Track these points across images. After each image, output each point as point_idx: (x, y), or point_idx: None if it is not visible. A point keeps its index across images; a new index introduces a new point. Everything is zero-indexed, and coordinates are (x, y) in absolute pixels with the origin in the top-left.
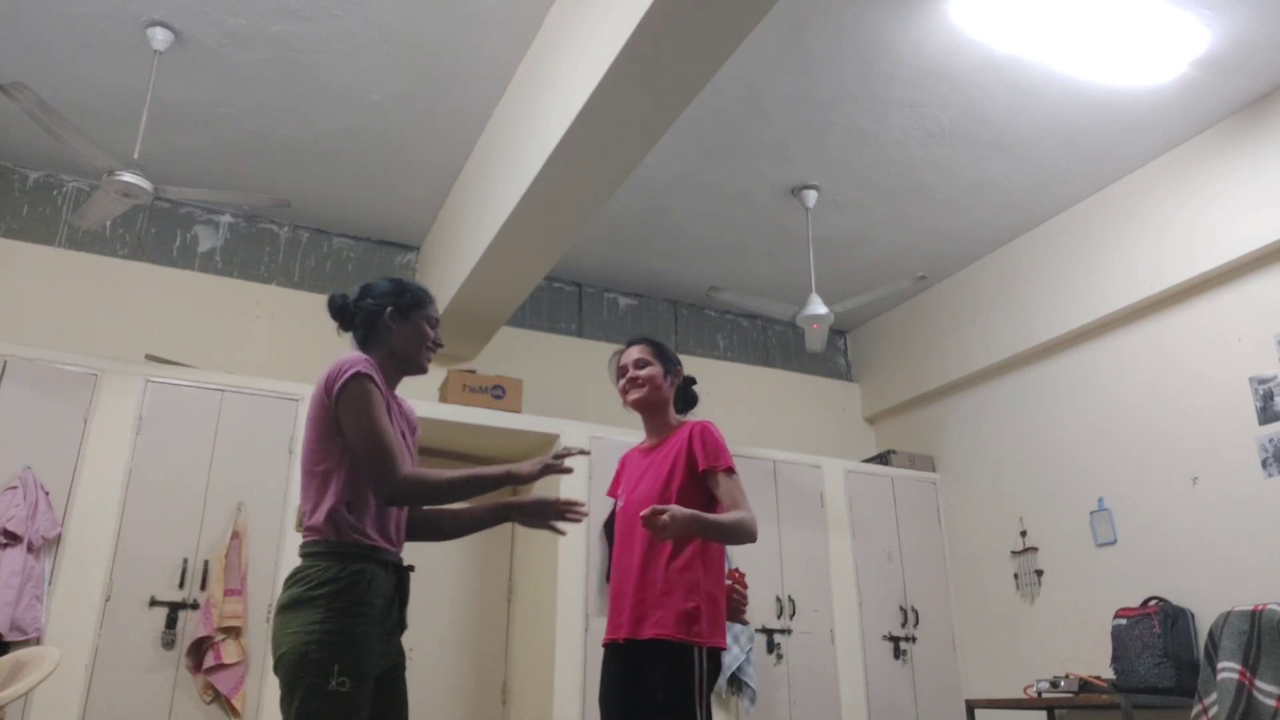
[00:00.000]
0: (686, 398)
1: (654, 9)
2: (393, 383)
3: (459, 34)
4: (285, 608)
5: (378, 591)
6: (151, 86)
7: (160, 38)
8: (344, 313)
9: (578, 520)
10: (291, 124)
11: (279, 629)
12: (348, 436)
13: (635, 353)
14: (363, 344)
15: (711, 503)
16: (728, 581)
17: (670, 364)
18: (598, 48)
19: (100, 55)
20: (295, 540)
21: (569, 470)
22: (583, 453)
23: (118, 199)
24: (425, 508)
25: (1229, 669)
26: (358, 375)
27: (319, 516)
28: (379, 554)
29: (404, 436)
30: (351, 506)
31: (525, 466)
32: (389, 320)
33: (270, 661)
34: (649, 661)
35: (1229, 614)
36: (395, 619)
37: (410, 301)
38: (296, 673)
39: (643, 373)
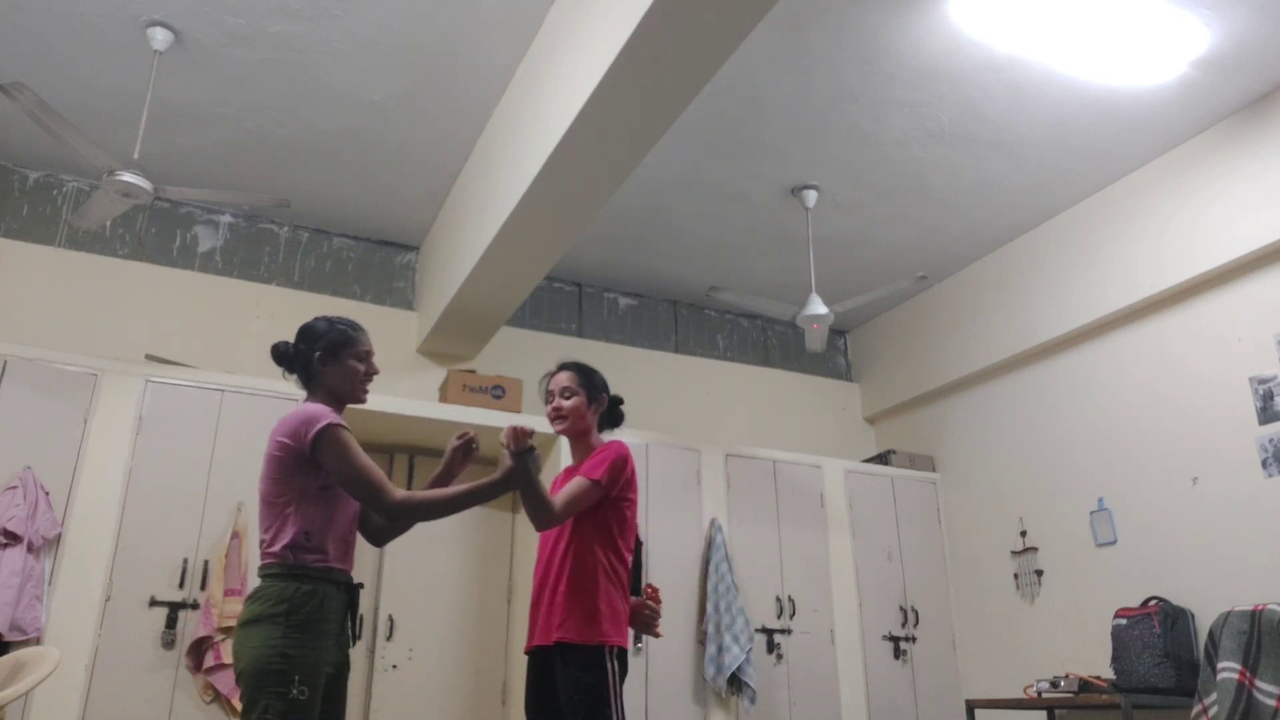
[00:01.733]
0: (613, 418)
1: (654, 9)
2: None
3: (459, 34)
4: (246, 624)
5: (330, 609)
6: (151, 86)
7: (160, 38)
8: (285, 359)
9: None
10: (291, 124)
11: (240, 644)
12: (338, 479)
13: (563, 379)
14: (305, 386)
15: (600, 508)
16: (641, 596)
17: (595, 391)
18: (598, 48)
19: (100, 55)
20: None
21: (531, 446)
22: (530, 433)
23: (118, 199)
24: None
25: (1229, 669)
26: (330, 426)
27: (279, 544)
28: (331, 575)
29: None
30: (310, 535)
31: (500, 472)
32: (319, 363)
33: None
34: (562, 665)
35: (1229, 614)
36: (346, 632)
37: (336, 341)
38: (259, 684)
39: (567, 404)
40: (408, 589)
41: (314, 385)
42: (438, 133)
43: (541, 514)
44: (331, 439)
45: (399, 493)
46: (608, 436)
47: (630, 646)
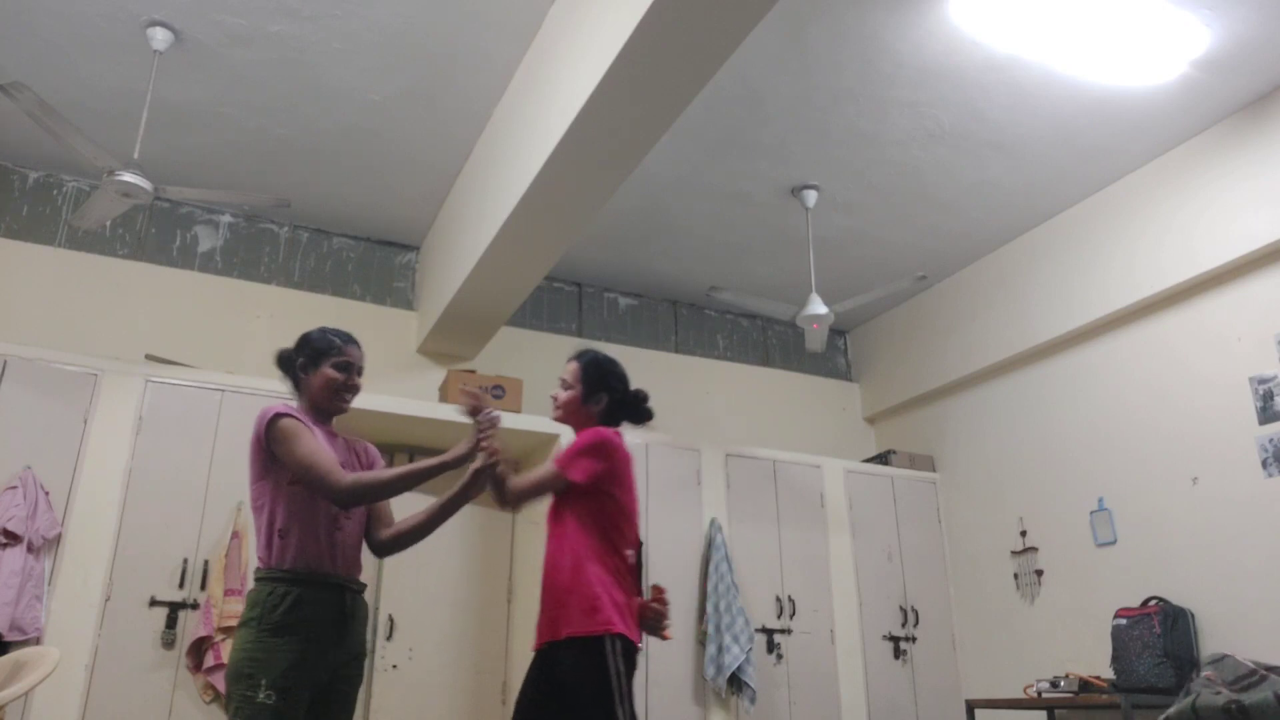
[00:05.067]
0: (635, 414)
1: (653, 9)
2: (325, 424)
3: (459, 34)
4: (237, 627)
5: (314, 612)
6: (151, 86)
7: (160, 38)
8: (282, 365)
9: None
10: (291, 124)
11: (238, 640)
12: (290, 469)
13: (568, 370)
14: (294, 393)
15: (584, 499)
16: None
17: (594, 388)
18: (597, 48)
19: (100, 55)
20: None
21: (493, 434)
22: (492, 417)
23: (118, 199)
24: (386, 532)
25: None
26: (276, 417)
27: (260, 547)
28: (315, 577)
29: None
30: (284, 533)
31: (457, 450)
32: (300, 371)
33: None
34: (565, 658)
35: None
36: (339, 636)
37: (317, 351)
38: (232, 685)
39: (561, 395)
40: (408, 589)
41: (299, 392)
42: (438, 133)
43: (499, 494)
44: (278, 429)
45: (346, 477)
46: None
47: (640, 642)
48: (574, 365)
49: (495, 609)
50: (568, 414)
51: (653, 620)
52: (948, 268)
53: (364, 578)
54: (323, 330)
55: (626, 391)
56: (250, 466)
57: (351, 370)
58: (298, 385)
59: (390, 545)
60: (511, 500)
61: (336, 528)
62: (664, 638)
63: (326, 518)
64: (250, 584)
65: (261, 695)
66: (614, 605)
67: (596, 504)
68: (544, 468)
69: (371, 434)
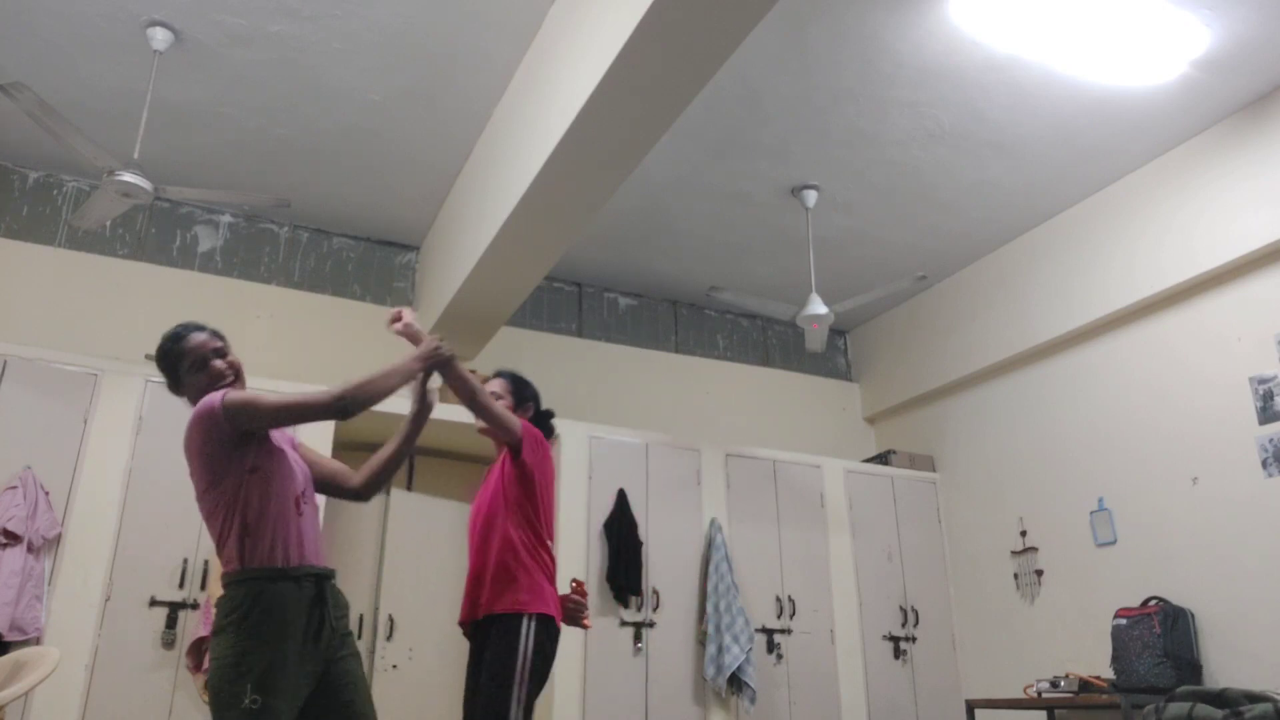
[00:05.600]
0: (548, 427)
1: (653, 9)
2: None
3: (459, 34)
4: (212, 635)
5: (288, 609)
6: (151, 86)
7: (160, 38)
8: (174, 390)
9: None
10: (291, 124)
11: (217, 648)
12: (269, 422)
13: (494, 386)
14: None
15: (513, 493)
16: (569, 590)
17: (523, 399)
18: (598, 48)
19: (100, 55)
20: None
21: (401, 320)
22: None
23: (118, 199)
24: (357, 478)
25: None
26: (228, 393)
27: (228, 550)
28: (287, 572)
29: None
30: (248, 529)
31: (414, 358)
32: (175, 389)
33: None
34: (487, 636)
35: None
36: (316, 625)
37: (171, 363)
38: (215, 695)
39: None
40: (408, 589)
41: (192, 402)
42: (438, 133)
43: (454, 379)
44: (238, 400)
45: (332, 390)
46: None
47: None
48: (500, 380)
49: None
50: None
51: (573, 611)
52: (948, 268)
53: (364, 577)
54: (160, 349)
55: (540, 405)
56: (199, 478)
57: (219, 353)
58: (187, 398)
59: (372, 484)
60: (466, 393)
61: (299, 514)
62: (584, 627)
63: (288, 505)
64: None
65: (247, 701)
66: (531, 587)
67: (525, 492)
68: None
69: (371, 434)
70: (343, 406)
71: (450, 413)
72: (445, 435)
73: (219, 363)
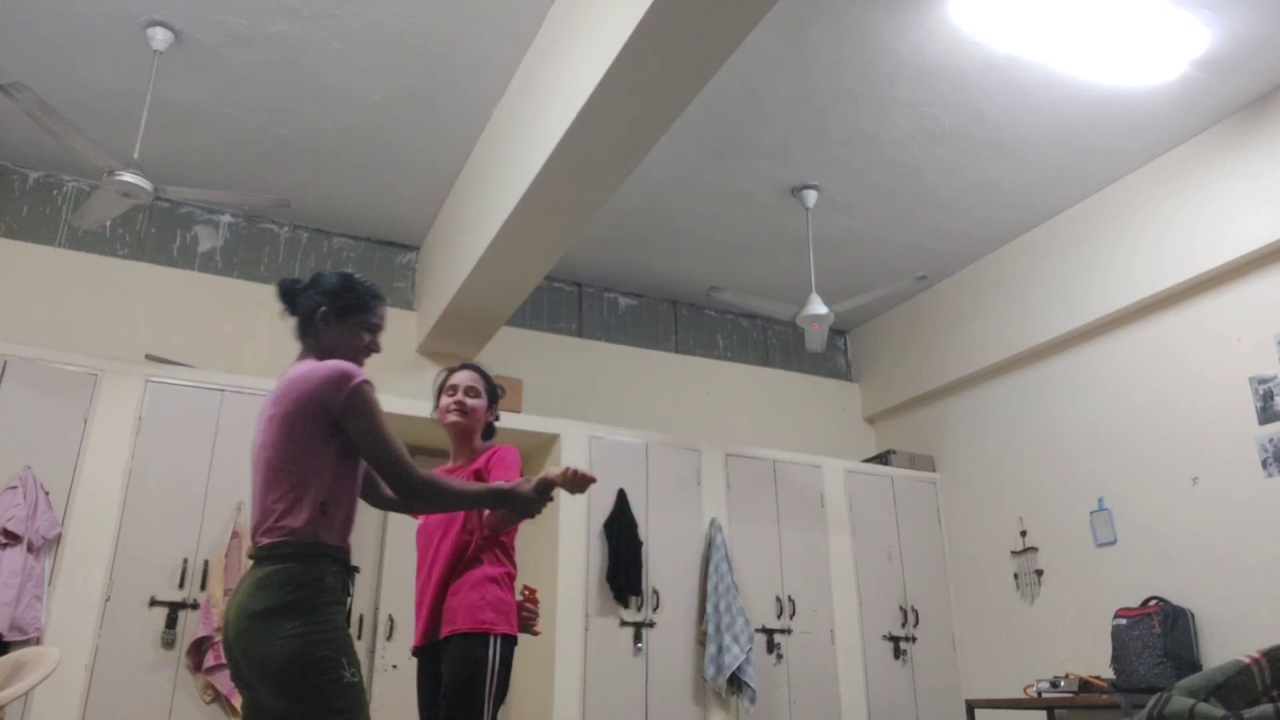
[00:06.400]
0: (489, 429)
1: (653, 9)
2: None
3: (459, 34)
4: (266, 614)
5: (347, 589)
6: (151, 86)
7: (160, 38)
8: (290, 297)
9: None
10: (291, 124)
11: (262, 636)
12: (364, 445)
13: (468, 379)
14: (301, 337)
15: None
16: (519, 597)
17: (494, 398)
18: (598, 48)
19: (100, 55)
20: None
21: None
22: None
23: (118, 199)
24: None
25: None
26: (367, 384)
27: (299, 518)
28: (343, 554)
29: None
30: (326, 509)
31: (524, 488)
32: (320, 320)
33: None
34: (448, 654)
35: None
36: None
37: (350, 304)
38: (304, 675)
39: (471, 402)
40: (407, 589)
41: (310, 340)
42: (438, 133)
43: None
44: (367, 399)
45: (421, 470)
46: (488, 444)
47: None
48: (474, 374)
49: None
50: (474, 419)
51: (525, 620)
52: (948, 268)
53: (364, 577)
54: (348, 278)
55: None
56: (290, 424)
57: (378, 335)
58: (305, 332)
59: (399, 506)
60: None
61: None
62: (535, 633)
63: (355, 497)
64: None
65: (348, 674)
66: (498, 605)
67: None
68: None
69: None
70: (412, 494)
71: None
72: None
73: (377, 341)
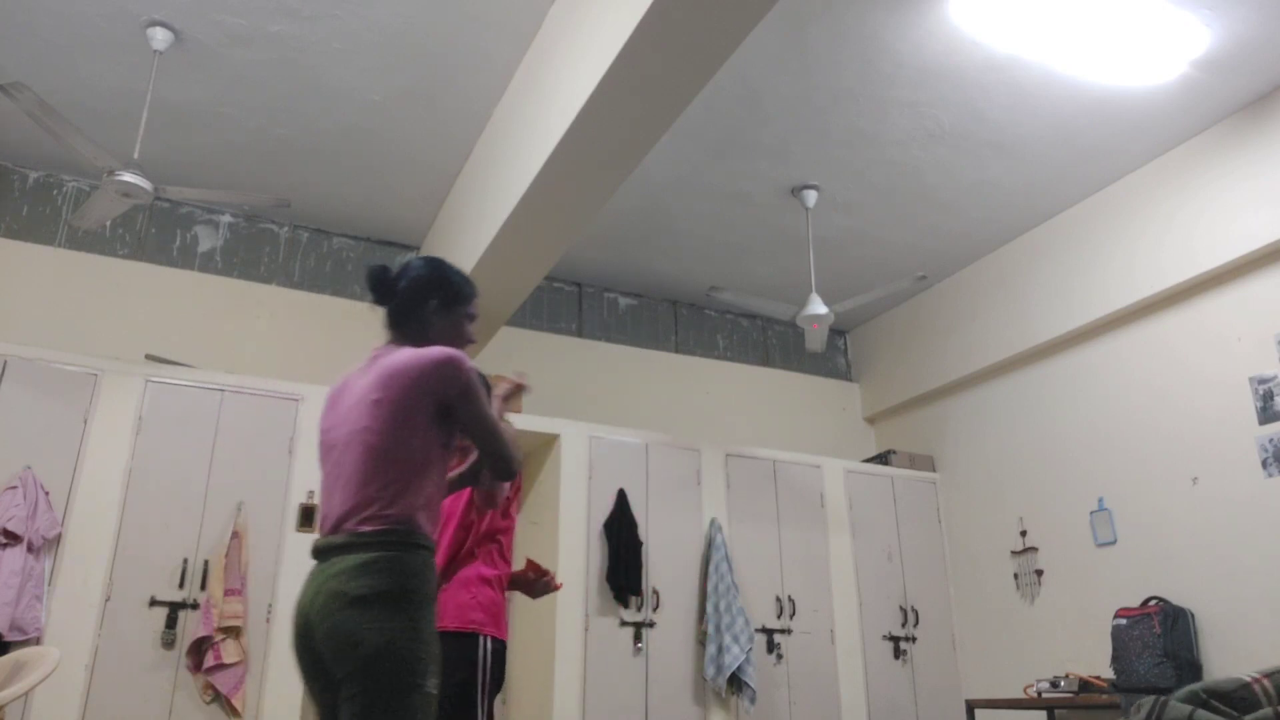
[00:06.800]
0: None
1: (653, 9)
2: None
3: (459, 34)
4: (365, 599)
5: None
6: (151, 86)
7: (160, 38)
8: (386, 288)
9: None
10: (291, 124)
11: (357, 620)
12: (470, 427)
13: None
14: (397, 326)
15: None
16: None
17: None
18: (598, 48)
19: (100, 55)
20: (296, 539)
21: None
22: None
23: (118, 199)
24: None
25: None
26: (473, 370)
27: (404, 506)
28: (434, 549)
29: None
30: (429, 501)
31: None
32: (431, 314)
33: (272, 660)
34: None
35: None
36: None
37: (455, 295)
38: (392, 669)
39: None
40: None
41: (413, 332)
42: (438, 133)
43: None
44: (471, 381)
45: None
46: None
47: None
48: None
49: None
50: None
51: (539, 585)
52: (948, 268)
53: None
54: (444, 265)
55: None
56: (401, 409)
57: (475, 322)
58: (408, 323)
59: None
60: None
61: None
62: (557, 587)
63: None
64: (254, 580)
65: (428, 684)
66: (488, 605)
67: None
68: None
69: None
70: (515, 469)
71: None
72: None
73: (474, 331)
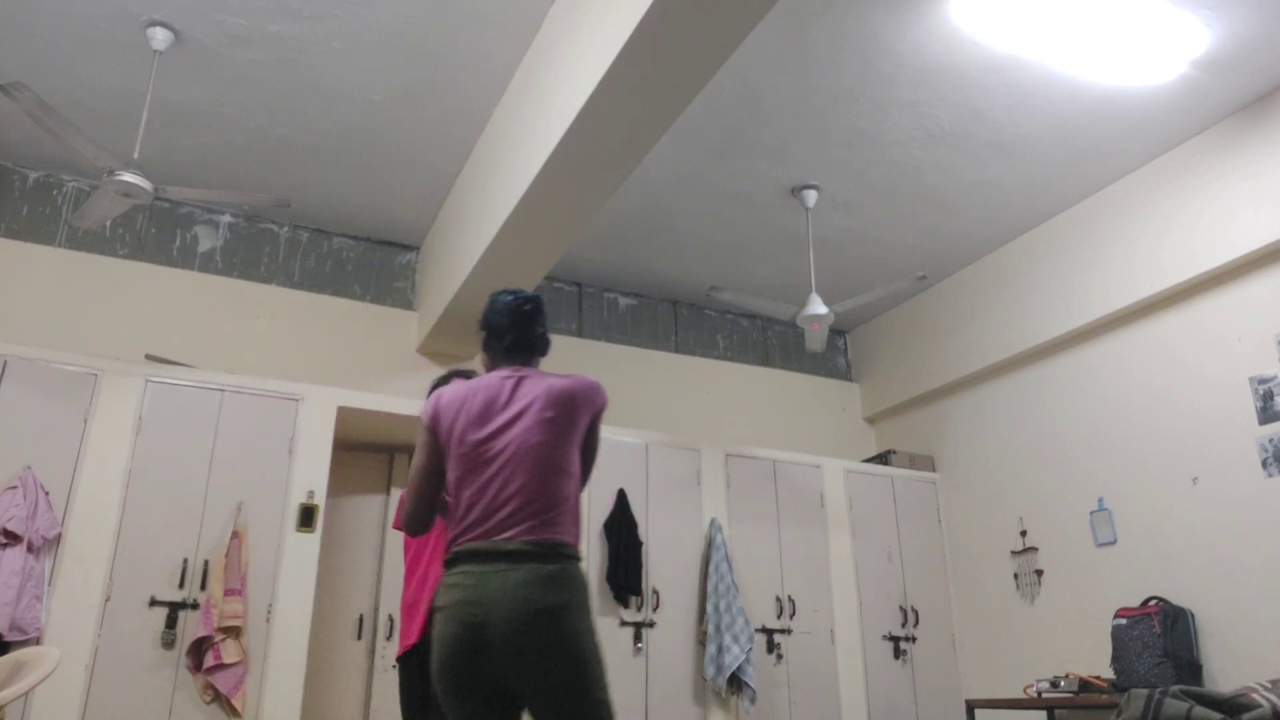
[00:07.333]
0: None
1: (653, 9)
2: None
3: (459, 34)
4: (562, 609)
5: None
6: (151, 86)
7: (160, 38)
8: (536, 323)
9: None
10: (291, 124)
11: (558, 628)
12: (592, 447)
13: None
14: (531, 353)
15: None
16: None
17: None
18: (598, 48)
19: (100, 55)
20: (296, 539)
21: None
22: None
23: (118, 199)
24: None
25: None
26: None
27: (575, 522)
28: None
29: None
30: (577, 519)
31: None
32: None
33: (272, 660)
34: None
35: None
36: None
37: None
38: (598, 661)
39: None
40: None
41: (534, 359)
42: (438, 133)
43: None
44: (602, 416)
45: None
46: None
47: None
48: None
49: None
50: None
51: None
52: (948, 268)
53: (365, 576)
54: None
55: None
56: (572, 430)
57: None
58: (539, 353)
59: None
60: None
61: None
62: None
63: None
64: (254, 581)
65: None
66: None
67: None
68: None
69: (371, 434)
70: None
71: None
72: None
73: None
